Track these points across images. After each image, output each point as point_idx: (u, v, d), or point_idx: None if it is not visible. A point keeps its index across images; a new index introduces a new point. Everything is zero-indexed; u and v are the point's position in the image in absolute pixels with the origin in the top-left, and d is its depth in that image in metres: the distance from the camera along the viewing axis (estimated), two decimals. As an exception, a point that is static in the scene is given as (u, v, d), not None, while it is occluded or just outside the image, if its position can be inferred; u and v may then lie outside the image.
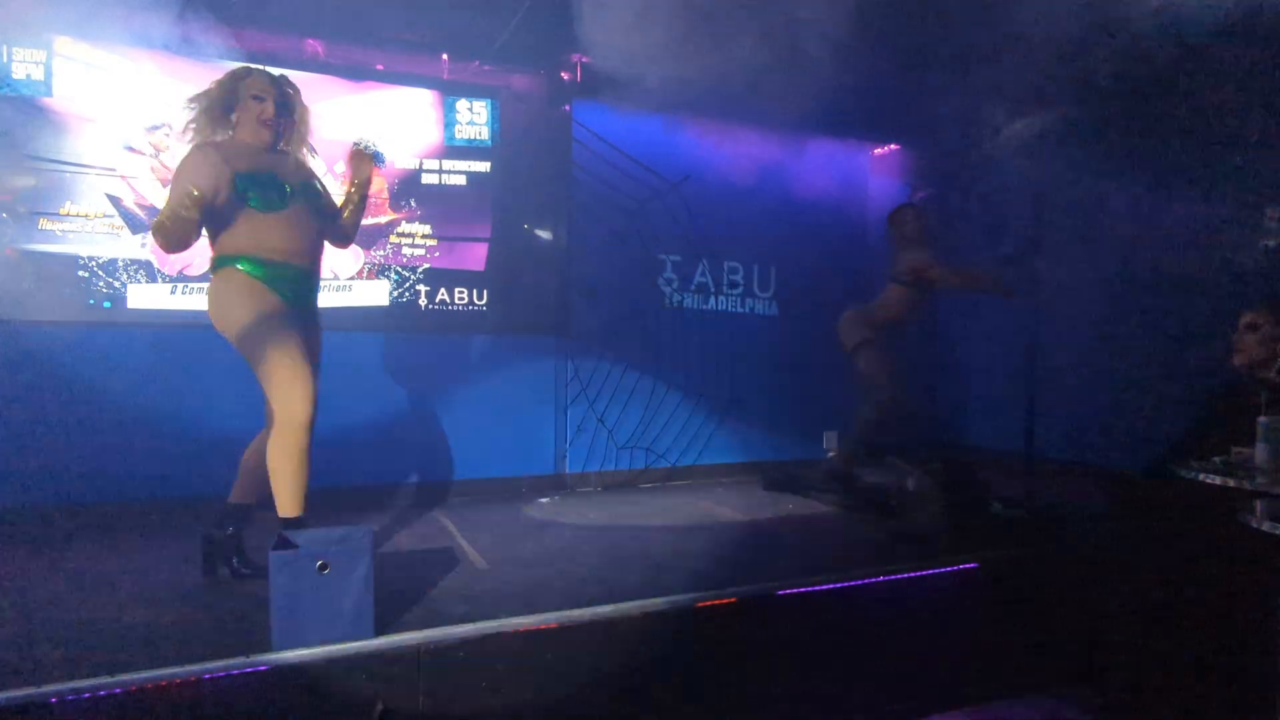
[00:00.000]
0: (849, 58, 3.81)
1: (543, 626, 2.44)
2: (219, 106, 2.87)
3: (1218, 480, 2.35)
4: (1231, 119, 4.07)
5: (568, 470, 4.82)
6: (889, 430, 4.37)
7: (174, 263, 4.14)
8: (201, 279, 4.22)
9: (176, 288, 4.17)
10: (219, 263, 2.81)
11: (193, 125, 2.87)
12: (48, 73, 3.86)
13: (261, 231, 2.77)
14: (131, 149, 4.05)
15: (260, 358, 2.69)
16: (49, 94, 3.87)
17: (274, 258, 2.80)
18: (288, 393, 2.66)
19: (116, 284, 4.03)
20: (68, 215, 3.93)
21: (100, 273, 4.00)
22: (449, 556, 3.26)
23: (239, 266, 2.76)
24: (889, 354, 4.41)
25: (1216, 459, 2.49)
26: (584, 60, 4.70)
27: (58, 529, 3.49)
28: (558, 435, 4.82)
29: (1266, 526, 2.15)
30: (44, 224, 3.89)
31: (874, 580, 2.98)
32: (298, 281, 2.87)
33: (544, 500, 4.48)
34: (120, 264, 4.05)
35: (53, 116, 3.89)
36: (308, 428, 2.68)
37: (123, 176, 4.03)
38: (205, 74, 4.20)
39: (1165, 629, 2.83)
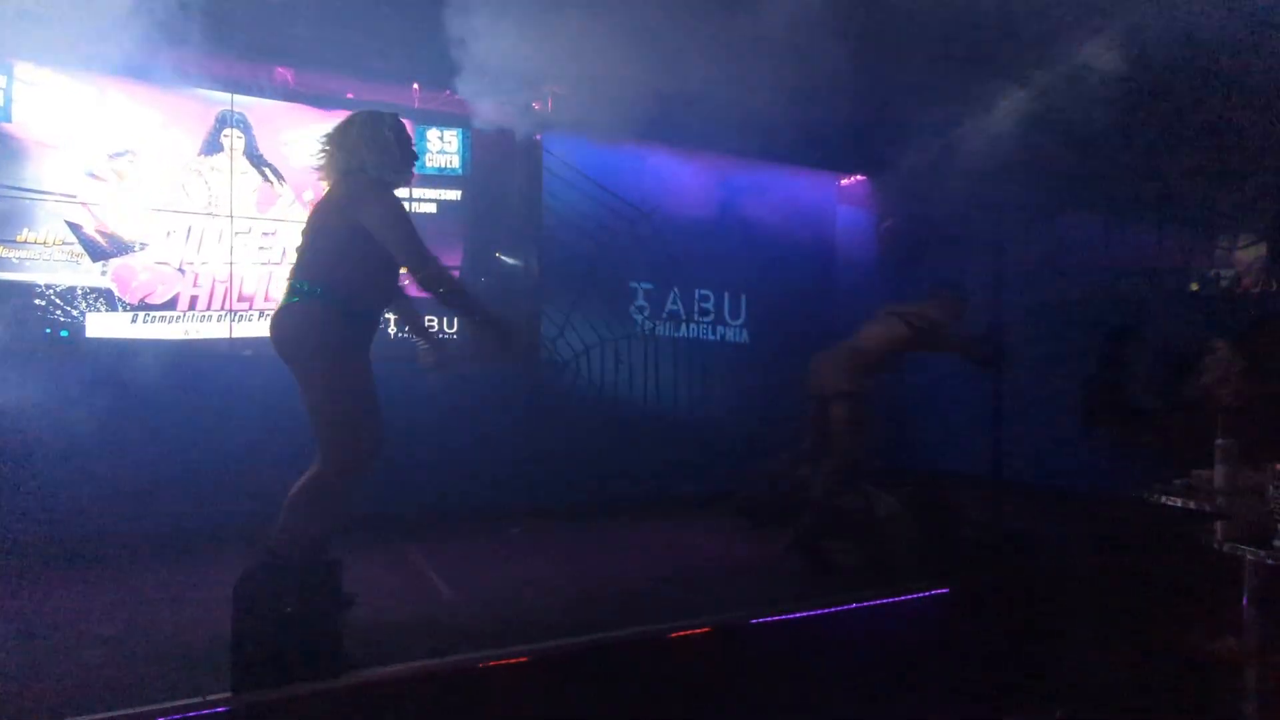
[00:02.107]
0: (819, 90, 3.89)
1: (513, 661, 2.39)
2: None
3: (1179, 502, 2.39)
4: (1186, 153, 4.22)
5: (538, 499, 4.77)
6: (848, 485, 3.99)
7: (135, 291, 4.06)
8: (164, 308, 4.14)
9: (138, 316, 4.08)
10: (308, 291, 2.57)
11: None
12: (7, 98, 3.79)
13: (378, 274, 2.65)
14: (93, 175, 3.98)
15: (328, 400, 2.56)
16: (8, 119, 3.80)
17: (370, 299, 2.67)
18: (346, 439, 2.57)
19: (75, 312, 3.94)
20: (25, 242, 3.84)
21: (58, 301, 3.90)
22: (417, 589, 3.20)
23: (324, 300, 2.55)
24: (867, 410, 4.01)
25: (1177, 482, 2.54)
26: (555, 91, 4.74)
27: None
28: (528, 464, 4.77)
29: (1227, 548, 2.19)
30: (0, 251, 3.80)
31: (848, 607, 2.97)
32: (375, 322, 2.75)
33: (514, 530, 4.42)
34: (79, 292, 3.95)
35: (11, 142, 3.81)
36: (358, 475, 2.62)
37: (83, 203, 3.96)
38: (173, 101, 4.20)
39: (1132, 648, 2.86)
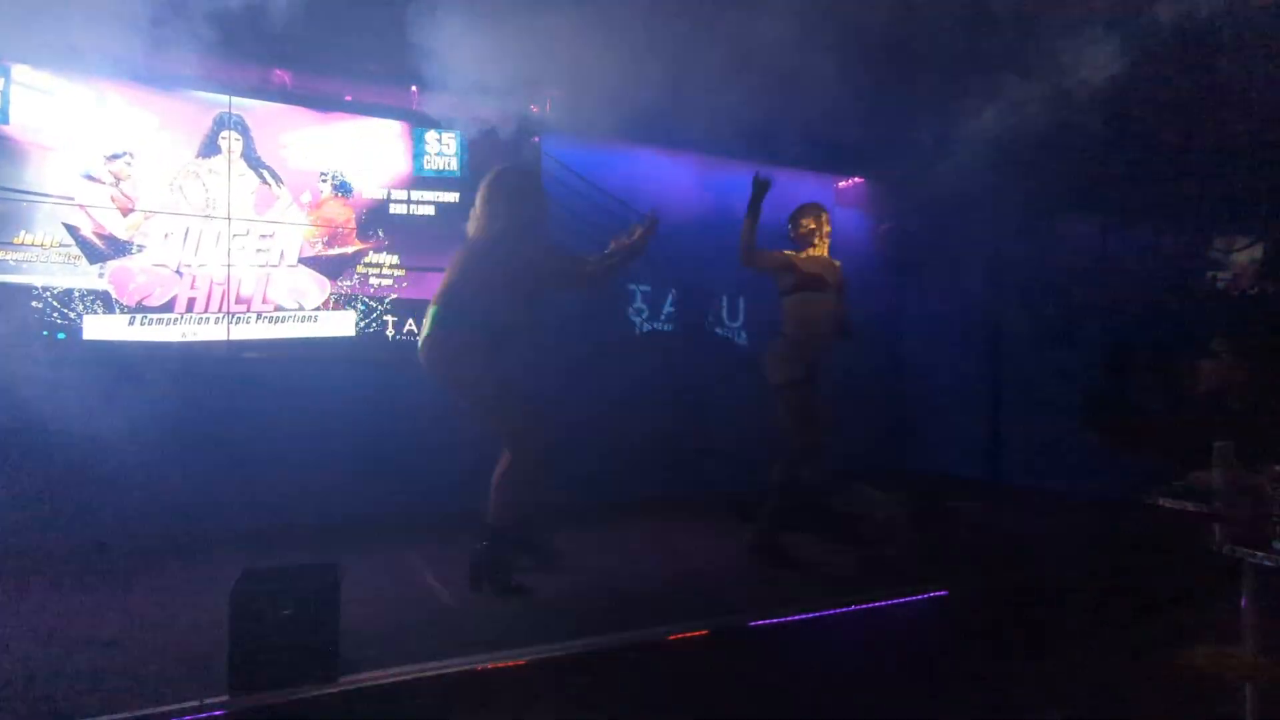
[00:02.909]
0: (815, 92, 3.89)
1: (511, 664, 2.38)
2: None
3: (1177, 504, 2.39)
4: (1180, 155, 4.23)
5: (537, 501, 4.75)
6: (801, 478, 3.92)
7: (133, 293, 4.06)
8: (161, 310, 4.13)
9: (135, 319, 4.07)
10: (464, 322, 3.10)
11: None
12: (5, 100, 3.78)
13: (528, 306, 3.27)
14: (91, 178, 3.98)
15: (501, 412, 3.14)
16: (5, 121, 3.79)
17: (519, 325, 3.26)
18: (524, 436, 3.17)
19: (72, 314, 3.93)
20: (22, 244, 3.83)
21: (55, 303, 3.90)
22: (416, 592, 3.19)
23: (483, 330, 3.11)
24: (814, 397, 3.96)
25: (1176, 484, 2.54)
26: (554, 93, 4.74)
27: None
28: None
29: (1226, 549, 2.20)
30: (-3, 253, 3.79)
31: (847, 609, 2.97)
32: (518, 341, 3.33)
33: (513, 533, 4.40)
34: (76, 294, 3.95)
35: (8, 145, 3.81)
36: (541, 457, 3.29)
37: (81, 206, 3.95)
38: (171, 104, 4.19)
39: (1131, 650, 2.86)
